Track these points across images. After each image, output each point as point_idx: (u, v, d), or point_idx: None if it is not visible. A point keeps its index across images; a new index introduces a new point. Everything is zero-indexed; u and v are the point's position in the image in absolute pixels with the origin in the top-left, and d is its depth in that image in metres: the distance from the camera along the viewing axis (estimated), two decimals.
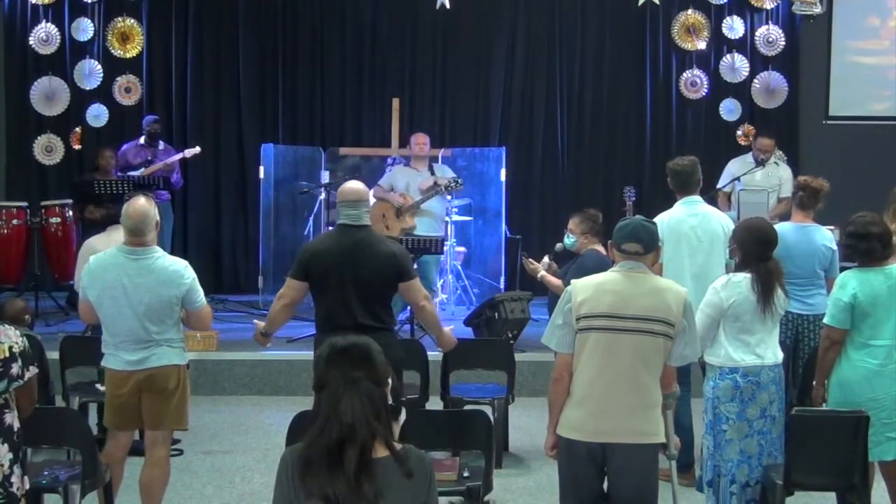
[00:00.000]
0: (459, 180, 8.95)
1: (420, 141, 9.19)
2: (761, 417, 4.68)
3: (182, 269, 4.85)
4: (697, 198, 6.01)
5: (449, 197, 9.65)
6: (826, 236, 6.12)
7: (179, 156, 9.65)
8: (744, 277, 4.71)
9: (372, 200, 8.93)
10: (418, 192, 8.92)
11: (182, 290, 4.81)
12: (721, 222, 5.91)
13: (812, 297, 6.01)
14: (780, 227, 6.08)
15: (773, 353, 4.73)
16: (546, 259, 6.56)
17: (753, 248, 4.74)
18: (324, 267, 4.94)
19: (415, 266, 7.28)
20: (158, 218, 4.92)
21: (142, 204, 4.84)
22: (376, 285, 4.95)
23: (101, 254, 4.97)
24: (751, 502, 4.71)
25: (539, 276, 6.45)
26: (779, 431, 4.71)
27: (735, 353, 4.67)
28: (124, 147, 9.65)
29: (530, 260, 6.65)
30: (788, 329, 5.88)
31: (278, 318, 5.20)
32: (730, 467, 4.70)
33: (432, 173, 9.10)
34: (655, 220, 5.81)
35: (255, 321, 5.34)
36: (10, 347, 3.78)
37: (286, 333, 8.13)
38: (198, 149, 9.76)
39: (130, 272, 4.77)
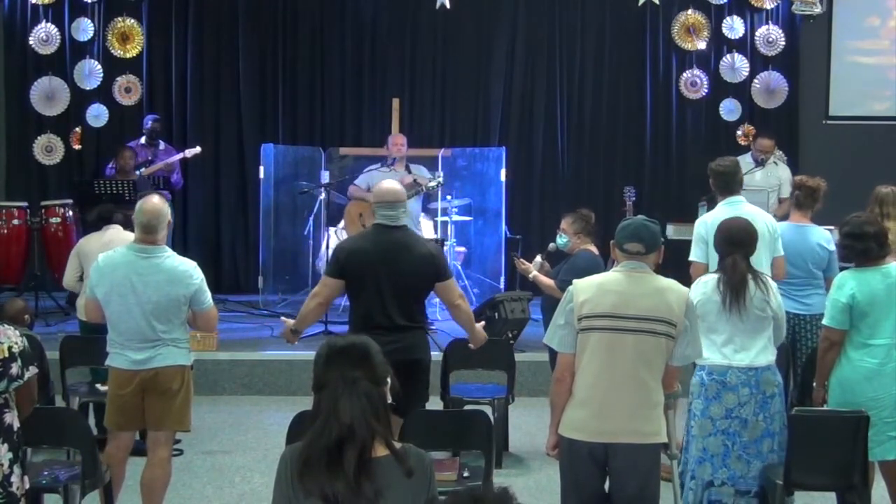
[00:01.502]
0: (440, 179, 8.94)
1: (398, 142, 9.28)
2: (726, 418, 4.66)
3: (191, 270, 4.87)
4: (740, 198, 6.00)
5: (449, 197, 9.66)
6: (822, 236, 6.12)
7: (180, 156, 9.65)
8: (711, 278, 4.75)
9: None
10: None
11: (191, 290, 4.83)
12: (766, 222, 5.86)
13: (809, 297, 6.01)
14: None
15: (747, 356, 4.67)
16: (538, 259, 6.55)
17: (719, 246, 4.78)
18: (361, 266, 4.91)
19: None
20: (171, 218, 4.96)
21: (156, 202, 4.89)
22: (415, 285, 4.95)
23: (110, 252, 4.99)
24: (716, 503, 4.69)
25: (531, 276, 6.44)
26: (753, 436, 4.65)
27: (704, 350, 4.68)
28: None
29: (522, 260, 6.65)
30: (787, 329, 5.87)
31: (311, 316, 5.17)
32: (692, 463, 4.71)
33: (412, 174, 9.12)
34: (698, 221, 5.88)
35: (283, 318, 5.30)
36: (10, 347, 3.78)
37: None
38: (198, 149, 9.77)
39: (140, 270, 4.79)
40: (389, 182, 5.20)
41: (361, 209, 8.99)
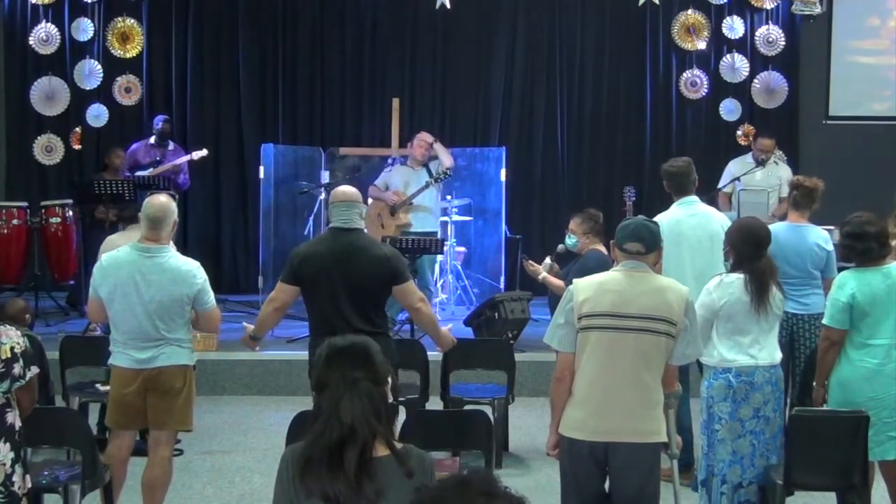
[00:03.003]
0: (448, 171, 8.94)
1: (423, 144, 9.11)
2: (754, 418, 4.67)
3: (195, 270, 4.89)
4: (694, 198, 6.02)
5: (449, 197, 9.66)
6: (820, 236, 6.11)
7: (187, 157, 9.66)
8: (737, 278, 4.70)
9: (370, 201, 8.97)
10: (414, 189, 8.92)
11: (193, 289, 4.84)
12: (720, 222, 5.89)
13: (807, 297, 6.00)
14: (773, 228, 6.07)
15: (768, 354, 4.70)
16: (547, 260, 6.55)
17: (745, 249, 4.73)
18: (315, 270, 4.91)
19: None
20: (177, 217, 4.99)
21: (163, 199, 4.93)
22: (369, 288, 4.92)
23: (114, 251, 5.00)
24: (745, 503, 4.70)
25: (540, 277, 6.44)
26: (772, 432, 4.69)
27: (728, 353, 4.67)
28: (134, 146, 9.68)
29: (531, 262, 6.64)
30: (784, 329, 5.87)
31: (268, 322, 5.18)
32: (721, 467, 4.70)
33: (429, 171, 9.09)
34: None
35: (245, 324, 5.32)
36: (12, 347, 3.79)
37: (286, 333, 8.14)
38: (205, 151, 9.77)
39: (144, 270, 4.80)
40: (344, 186, 5.22)
41: (379, 209, 9.00)
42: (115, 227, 8.06)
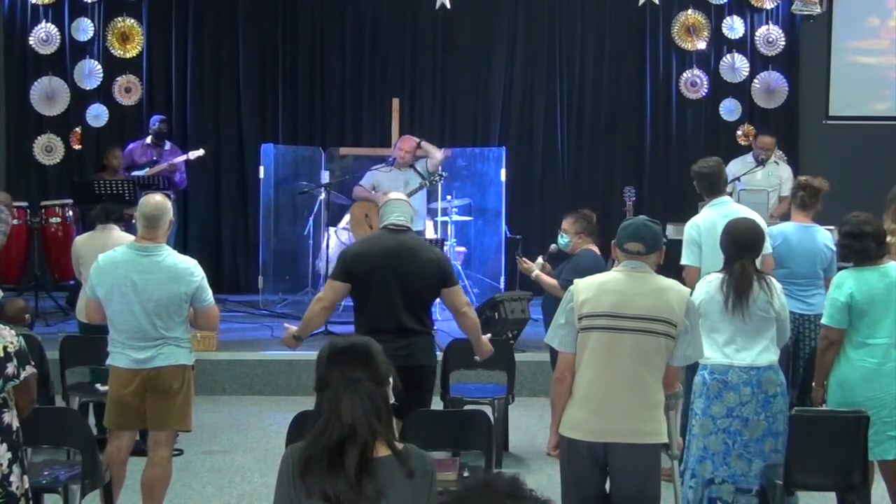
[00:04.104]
0: (442, 172, 8.92)
1: (403, 147, 9.08)
2: (727, 417, 4.66)
3: (192, 267, 4.89)
4: (727, 198, 5.98)
5: (449, 197, 9.65)
6: (826, 236, 6.13)
7: (184, 157, 9.66)
8: (716, 277, 4.74)
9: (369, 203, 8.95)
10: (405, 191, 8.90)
11: (192, 287, 4.84)
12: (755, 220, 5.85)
13: (813, 297, 6.00)
14: (784, 228, 6.10)
15: (748, 355, 4.67)
16: (539, 259, 6.55)
17: (728, 249, 4.77)
18: (368, 269, 4.91)
19: None
20: (172, 217, 4.99)
21: (159, 198, 4.94)
22: (421, 289, 4.94)
23: (110, 251, 5.00)
24: (716, 500, 4.68)
25: (533, 275, 6.44)
26: (754, 434, 4.65)
27: (706, 350, 4.67)
28: (130, 146, 9.70)
29: (524, 259, 6.64)
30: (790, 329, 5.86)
31: (315, 321, 5.16)
32: (693, 461, 4.71)
33: (417, 172, 9.06)
34: (689, 224, 5.81)
35: (286, 325, 5.26)
36: (5, 347, 3.77)
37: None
38: (202, 151, 9.78)
39: (140, 268, 4.80)
40: (397, 192, 5.30)
41: (367, 210, 8.98)
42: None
